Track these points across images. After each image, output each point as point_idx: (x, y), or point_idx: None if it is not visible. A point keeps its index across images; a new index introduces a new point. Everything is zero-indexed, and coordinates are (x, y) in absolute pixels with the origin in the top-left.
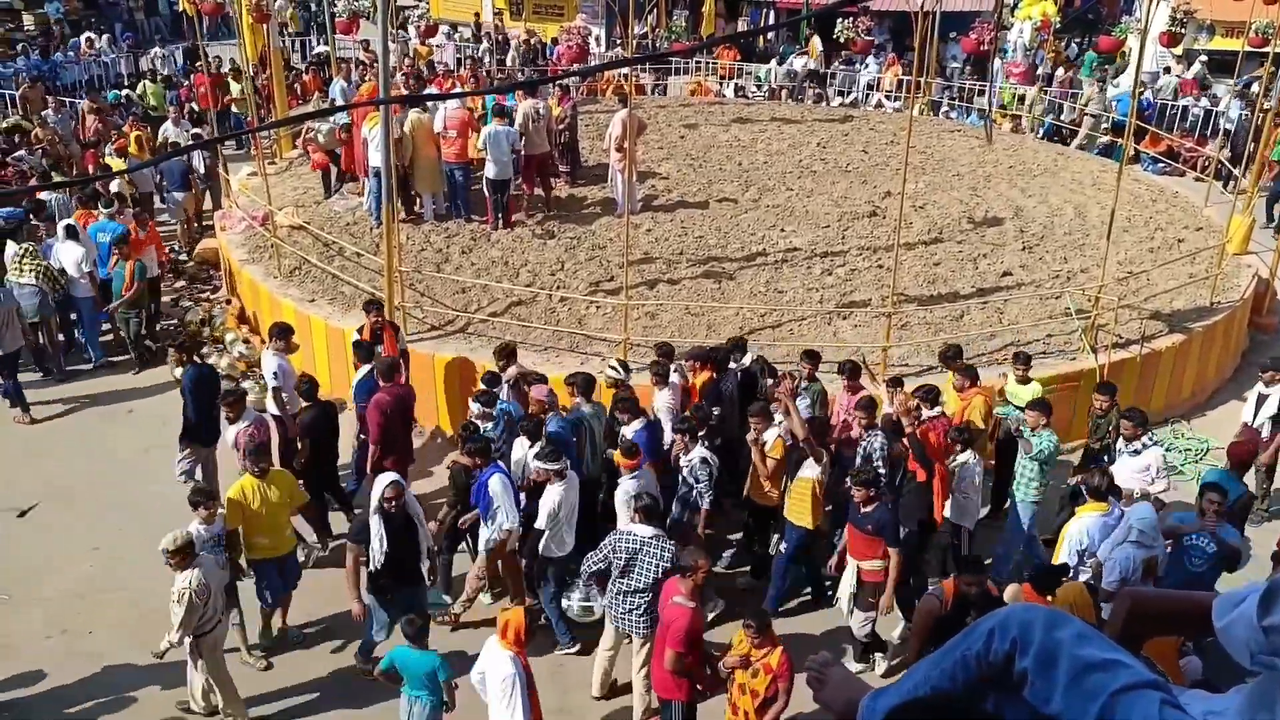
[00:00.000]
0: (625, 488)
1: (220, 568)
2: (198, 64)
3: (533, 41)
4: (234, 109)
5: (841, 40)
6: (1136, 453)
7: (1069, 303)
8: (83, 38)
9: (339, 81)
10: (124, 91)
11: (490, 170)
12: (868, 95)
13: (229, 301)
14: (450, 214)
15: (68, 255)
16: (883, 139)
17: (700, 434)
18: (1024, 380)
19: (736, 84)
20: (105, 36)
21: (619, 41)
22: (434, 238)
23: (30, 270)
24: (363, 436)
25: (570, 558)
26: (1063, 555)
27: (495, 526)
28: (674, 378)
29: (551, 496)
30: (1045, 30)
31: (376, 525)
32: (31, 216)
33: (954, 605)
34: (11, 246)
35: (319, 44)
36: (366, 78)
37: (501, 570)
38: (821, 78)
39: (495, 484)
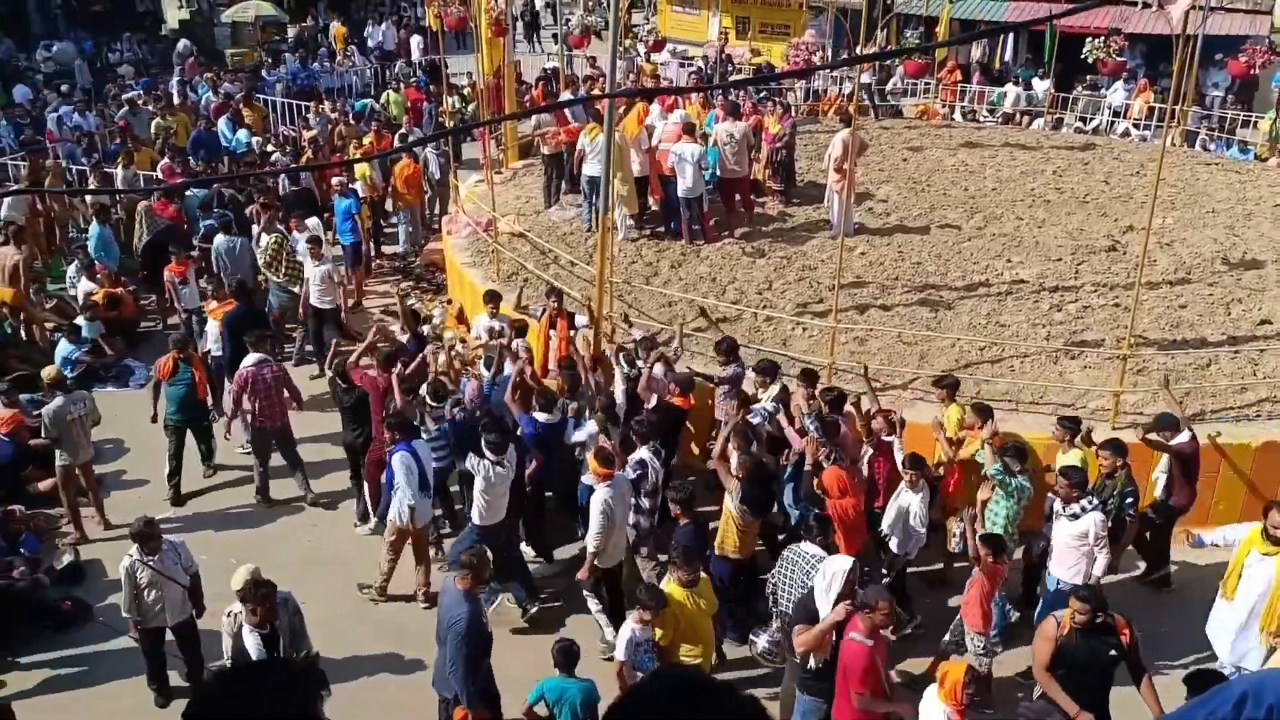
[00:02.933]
0: (599, 495)
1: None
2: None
3: (759, 61)
4: (448, 121)
5: (1090, 60)
6: (1075, 517)
7: None
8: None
9: (566, 94)
10: (369, 101)
11: (681, 187)
12: (1112, 123)
13: (449, 302)
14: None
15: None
16: (1127, 169)
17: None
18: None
19: (964, 107)
20: (355, 48)
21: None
22: (645, 251)
23: (283, 268)
24: None
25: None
26: None
27: (397, 504)
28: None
29: (599, 497)
30: None
31: None
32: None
33: (1077, 634)
34: (264, 239)
35: (549, 59)
36: (594, 92)
37: (413, 548)
38: (1061, 102)
39: (396, 461)
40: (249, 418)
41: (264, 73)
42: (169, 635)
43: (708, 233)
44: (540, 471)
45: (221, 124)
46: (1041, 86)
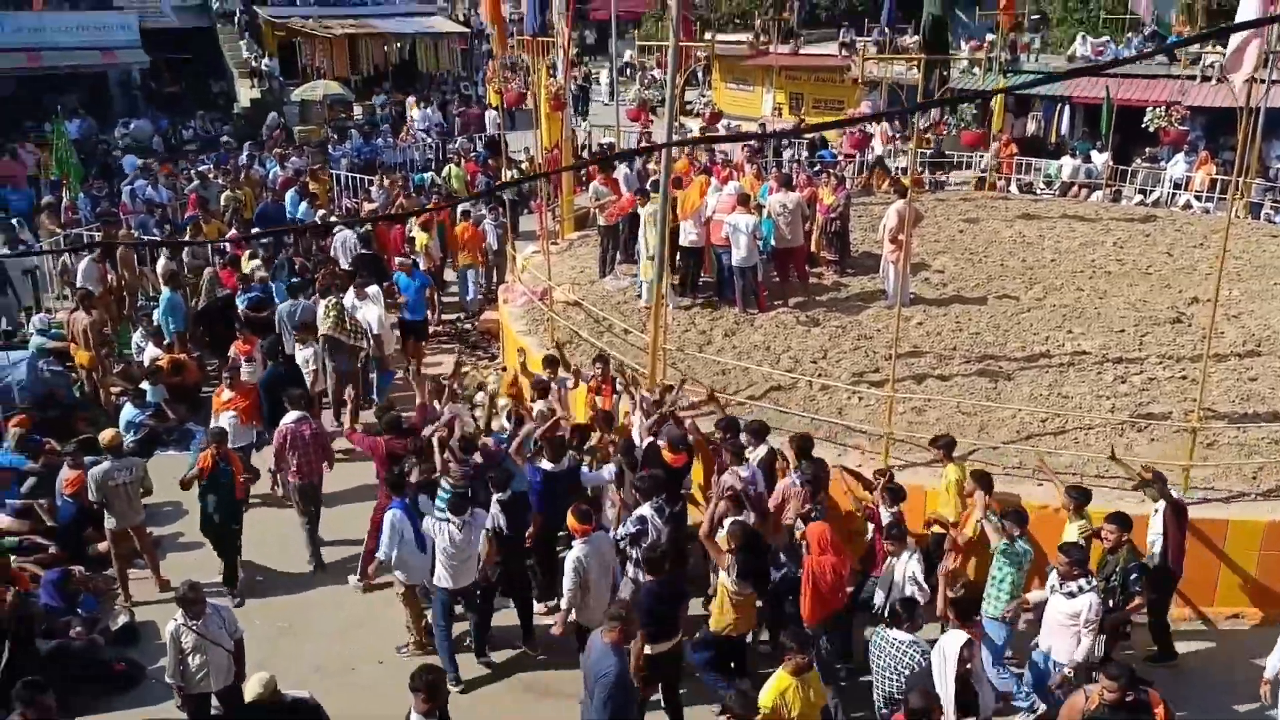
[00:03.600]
0: (573, 552)
1: None
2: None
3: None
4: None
5: (1151, 129)
6: (1071, 595)
7: None
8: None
9: (622, 168)
10: (429, 175)
11: (735, 257)
12: (1173, 195)
13: (504, 369)
14: (716, 297)
15: (369, 313)
16: (1190, 241)
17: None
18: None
19: (1020, 180)
20: (419, 123)
21: (899, 135)
22: (698, 319)
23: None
24: None
25: None
26: None
27: (384, 558)
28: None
29: (572, 554)
30: None
31: None
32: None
33: (1106, 710)
34: (321, 304)
35: (606, 135)
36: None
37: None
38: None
39: (385, 519)
40: (289, 474)
41: (329, 148)
42: (214, 701)
43: (761, 302)
44: (543, 527)
45: (288, 197)
46: (1100, 159)
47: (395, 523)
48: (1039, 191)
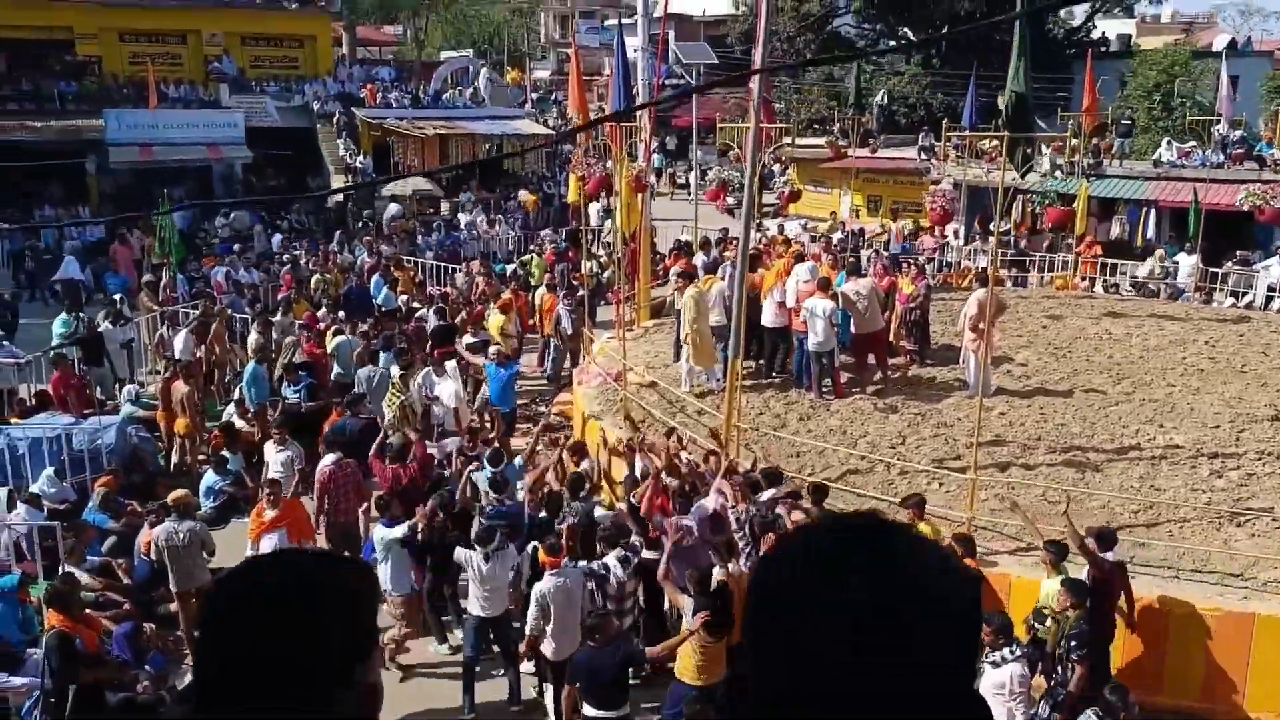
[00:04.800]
0: (539, 585)
1: None
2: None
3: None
4: (585, 285)
5: (1245, 208)
6: (995, 665)
7: None
8: (479, 219)
9: (700, 255)
10: (511, 266)
11: (811, 341)
12: (1269, 300)
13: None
14: (795, 381)
15: (445, 389)
16: None
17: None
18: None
19: (1106, 280)
20: (500, 219)
21: (978, 235)
22: (773, 403)
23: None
24: None
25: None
26: None
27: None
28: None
29: (538, 587)
30: None
31: None
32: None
33: None
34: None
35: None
36: (726, 254)
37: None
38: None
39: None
40: (327, 515)
41: (417, 238)
42: None
43: (838, 388)
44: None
45: (373, 281)
46: (1188, 261)
47: (383, 539)
48: (1125, 292)
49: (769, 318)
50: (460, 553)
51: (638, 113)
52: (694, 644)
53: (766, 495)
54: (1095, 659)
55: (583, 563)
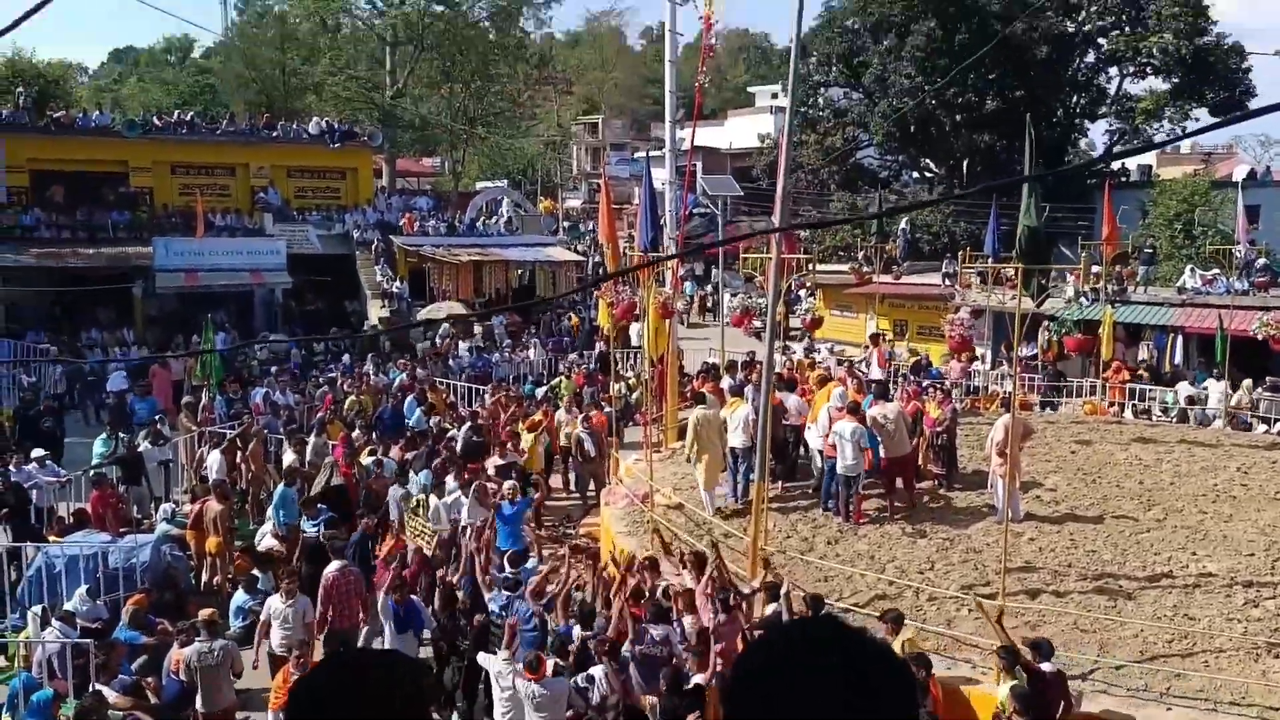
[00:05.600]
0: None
1: None
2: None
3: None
4: (613, 407)
5: (1260, 338)
6: None
7: None
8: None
9: (726, 378)
10: (542, 389)
11: (840, 464)
12: None
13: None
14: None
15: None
16: None
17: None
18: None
19: (1135, 405)
20: (535, 342)
21: (1004, 359)
22: (800, 526)
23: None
24: None
25: None
26: None
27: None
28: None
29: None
30: None
31: None
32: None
33: None
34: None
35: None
36: (751, 377)
37: None
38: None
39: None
40: (329, 622)
41: (450, 361)
42: None
43: (858, 513)
44: None
45: (407, 403)
46: (1217, 388)
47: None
48: (1155, 419)
49: (816, 442)
50: (484, 656)
51: (664, 242)
52: None
53: (769, 609)
54: None
55: (565, 677)
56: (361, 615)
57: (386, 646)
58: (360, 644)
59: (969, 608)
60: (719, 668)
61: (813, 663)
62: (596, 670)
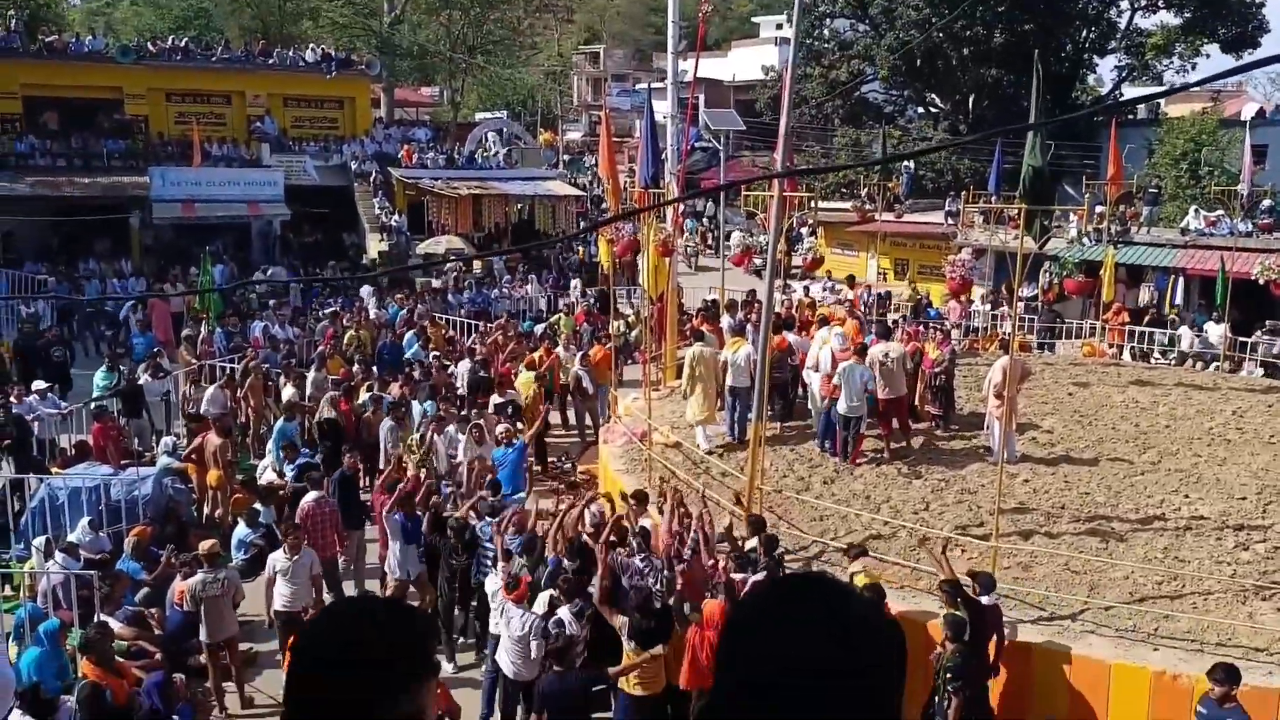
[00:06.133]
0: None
1: None
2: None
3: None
4: (613, 344)
5: (1261, 282)
6: None
7: None
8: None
9: (726, 317)
10: (541, 326)
11: (840, 405)
12: None
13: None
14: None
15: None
16: None
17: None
18: None
19: (1134, 348)
20: (532, 278)
21: (1004, 300)
22: (797, 466)
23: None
24: None
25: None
26: None
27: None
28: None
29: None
30: None
31: None
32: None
33: None
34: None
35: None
36: (750, 316)
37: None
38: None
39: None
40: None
41: (449, 296)
42: None
43: (855, 453)
44: None
45: (406, 338)
46: (1216, 331)
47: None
48: (1154, 361)
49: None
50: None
51: (665, 177)
52: (629, 657)
53: (749, 544)
54: (972, 691)
55: (536, 614)
56: (338, 549)
57: (395, 558)
58: (340, 574)
59: (962, 548)
60: (680, 586)
61: (796, 616)
62: (564, 612)
